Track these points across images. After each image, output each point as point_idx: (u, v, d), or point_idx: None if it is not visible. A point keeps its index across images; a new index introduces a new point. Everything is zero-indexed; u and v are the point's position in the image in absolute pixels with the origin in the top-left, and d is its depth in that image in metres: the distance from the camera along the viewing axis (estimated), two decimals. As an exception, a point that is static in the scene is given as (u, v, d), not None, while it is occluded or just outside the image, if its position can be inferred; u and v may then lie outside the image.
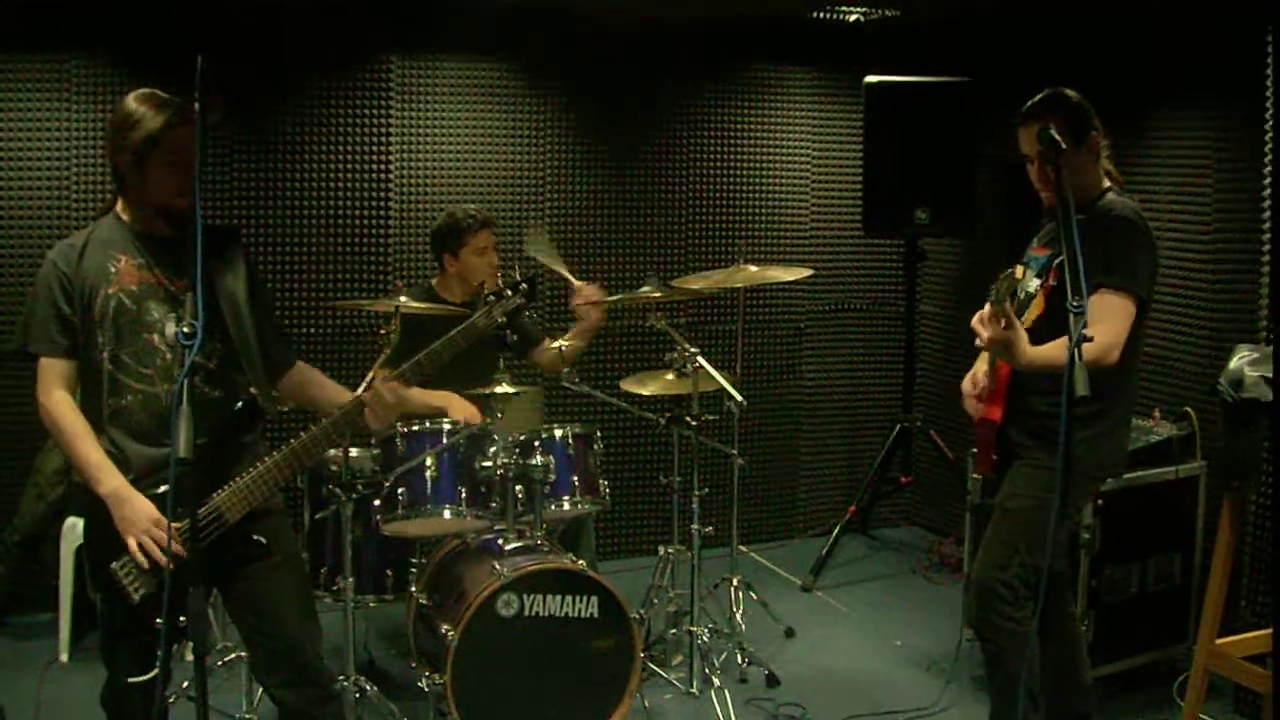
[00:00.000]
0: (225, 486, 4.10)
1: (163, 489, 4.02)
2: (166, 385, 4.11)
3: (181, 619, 3.85)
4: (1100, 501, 5.69)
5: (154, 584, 4.00)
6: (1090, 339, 3.87)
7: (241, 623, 4.34)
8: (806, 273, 6.83)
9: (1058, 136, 4.21)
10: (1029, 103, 4.78)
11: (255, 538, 4.17)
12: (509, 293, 4.66)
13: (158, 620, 3.77)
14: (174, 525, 3.89)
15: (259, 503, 4.16)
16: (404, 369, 4.39)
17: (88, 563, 4.21)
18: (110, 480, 4.04)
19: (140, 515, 3.98)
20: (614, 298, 6.42)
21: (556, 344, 6.23)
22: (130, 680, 4.03)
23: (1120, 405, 4.82)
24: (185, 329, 3.40)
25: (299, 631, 4.33)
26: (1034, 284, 4.77)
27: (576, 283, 6.30)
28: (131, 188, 4.16)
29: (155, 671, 3.68)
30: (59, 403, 4.13)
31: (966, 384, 5.07)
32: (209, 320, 4.06)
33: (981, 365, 5.04)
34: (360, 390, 4.39)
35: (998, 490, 5.02)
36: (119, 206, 4.25)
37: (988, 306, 4.29)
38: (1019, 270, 4.28)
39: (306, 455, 4.26)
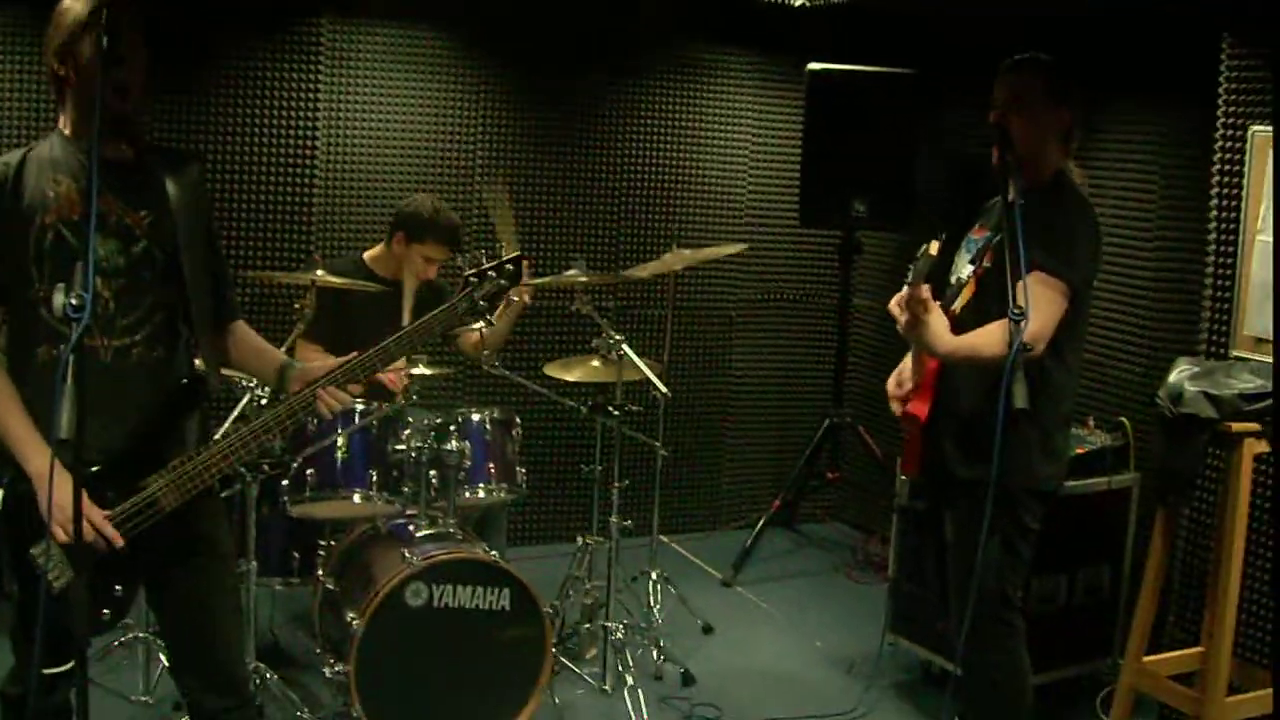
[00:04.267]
0: (162, 472, 3.71)
1: (93, 469, 3.62)
2: (107, 339, 3.69)
3: (105, 611, 3.67)
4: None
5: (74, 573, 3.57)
6: (1030, 349, 3.75)
7: (164, 618, 4.01)
8: (741, 247, 6.69)
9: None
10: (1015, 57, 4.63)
11: (189, 533, 3.79)
12: (492, 274, 3.99)
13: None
14: (105, 514, 3.60)
15: (198, 491, 3.74)
16: (367, 356, 3.89)
17: (3, 545, 3.83)
18: (37, 458, 3.56)
19: (69, 501, 3.23)
20: (540, 280, 6.28)
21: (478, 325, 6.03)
22: (45, 671, 3.60)
23: (1053, 410, 4.58)
24: (74, 300, 3.05)
25: (225, 635, 4.02)
26: (967, 270, 4.62)
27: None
28: (70, 90, 3.69)
29: (71, 664, 3.43)
30: None
31: (891, 383, 4.82)
32: (165, 263, 3.76)
33: (908, 361, 4.79)
34: (292, 365, 4.02)
35: (926, 494, 4.90)
36: (61, 122, 3.76)
37: (905, 288, 4.15)
38: (934, 246, 4.13)
39: (255, 443, 3.83)
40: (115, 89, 3.59)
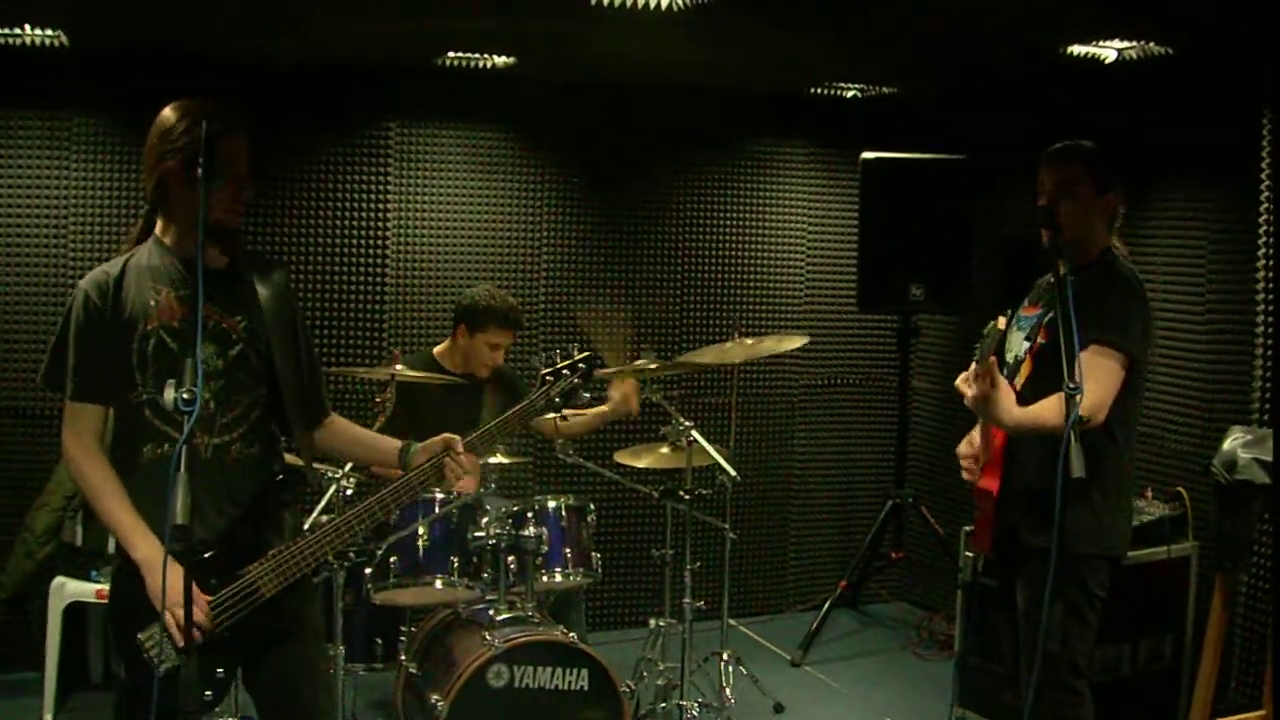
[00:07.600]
0: (262, 560, 3.87)
1: (205, 555, 3.79)
2: (207, 437, 3.85)
3: (208, 693, 3.78)
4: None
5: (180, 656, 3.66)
6: (1086, 421, 3.86)
7: (261, 696, 4.10)
8: (803, 340, 6.84)
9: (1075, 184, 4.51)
10: (1058, 145, 4.77)
11: (285, 616, 3.92)
12: (566, 372, 4.33)
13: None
14: (206, 598, 3.74)
15: (297, 577, 3.90)
16: (474, 439, 4.14)
17: (112, 629, 3.89)
18: (144, 546, 3.73)
19: (179, 587, 3.42)
20: (610, 371, 6.42)
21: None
22: None
23: (1116, 478, 4.67)
24: (185, 395, 3.23)
25: (320, 710, 4.15)
26: (1023, 346, 4.73)
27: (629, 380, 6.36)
28: (179, 204, 3.85)
29: None
30: (90, 455, 3.81)
31: (963, 446, 4.92)
32: (259, 365, 3.95)
33: (979, 430, 4.89)
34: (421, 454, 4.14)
35: (998, 569, 4.98)
36: (159, 229, 3.93)
37: (973, 364, 4.28)
38: (1001, 321, 4.24)
39: (358, 526, 4.01)
40: (229, 207, 3.83)
